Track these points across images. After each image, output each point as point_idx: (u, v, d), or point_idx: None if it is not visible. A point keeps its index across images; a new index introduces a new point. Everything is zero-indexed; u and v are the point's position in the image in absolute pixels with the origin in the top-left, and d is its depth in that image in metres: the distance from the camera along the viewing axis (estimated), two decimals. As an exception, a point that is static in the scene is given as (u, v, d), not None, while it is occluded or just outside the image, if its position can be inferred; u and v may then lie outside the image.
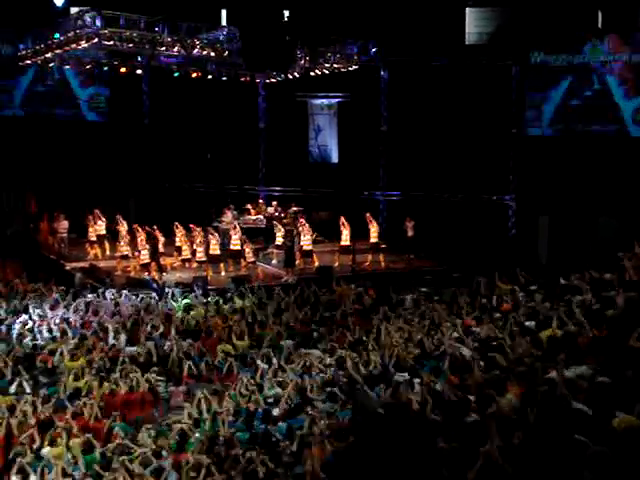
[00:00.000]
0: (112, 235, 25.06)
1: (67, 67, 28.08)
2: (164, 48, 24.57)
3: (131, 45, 23.90)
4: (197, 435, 11.48)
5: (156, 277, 22.31)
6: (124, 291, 20.00)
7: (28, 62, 26.74)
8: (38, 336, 16.59)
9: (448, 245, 24.56)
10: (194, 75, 27.31)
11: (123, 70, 26.81)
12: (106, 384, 13.55)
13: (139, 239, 23.09)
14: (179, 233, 23.92)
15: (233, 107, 29.48)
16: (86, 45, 23.70)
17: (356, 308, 18.14)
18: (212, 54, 25.39)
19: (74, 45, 23.85)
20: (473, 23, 27.11)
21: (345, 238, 23.77)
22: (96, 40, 23.25)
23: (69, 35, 23.80)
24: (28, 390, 13.51)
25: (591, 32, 25.42)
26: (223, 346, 15.80)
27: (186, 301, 19.21)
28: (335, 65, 27.01)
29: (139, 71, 27.60)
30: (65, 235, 26.10)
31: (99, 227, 25.22)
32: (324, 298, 19.19)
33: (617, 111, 25.27)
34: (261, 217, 26.66)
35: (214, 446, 10.64)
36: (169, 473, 10.18)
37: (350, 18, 26.54)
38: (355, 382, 11.96)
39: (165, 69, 27.10)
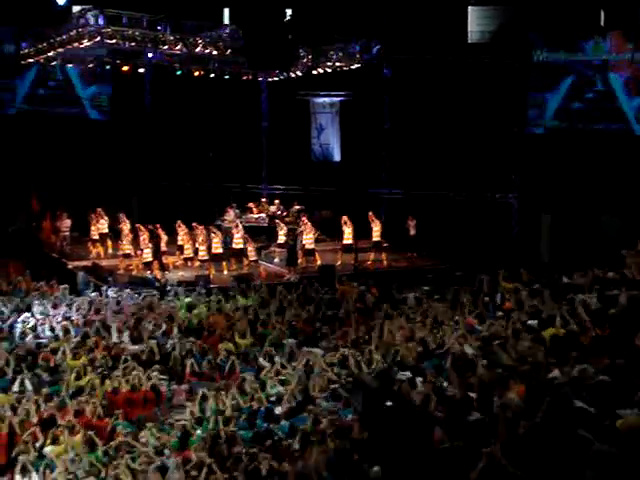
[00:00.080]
0: (114, 234, 25.09)
1: (69, 66, 28.09)
2: (166, 46, 24.57)
3: (133, 43, 23.90)
4: (198, 432, 11.49)
5: (158, 276, 22.32)
6: (126, 289, 20.02)
7: (30, 61, 26.76)
8: (40, 334, 16.60)
9: (450, 243, 24.52)
10: (196, 73, 27.33)
11: (125, 68, 26.82)
12: (108, 382, 13.56)
13: (142, 238, 23.09)
14: (182, 232, 23.91)
15: (235, 106, 29.45)
16: (88, 43, 23.72)
17: (359, 307, 18.13)
18: (214, 52, 25.41)
19: (76, 44, 23.87)
20: (475, 21, 27.09)
21: (347, 237, 23.76)
22: (98, 38, 23.27)
23: (71, 33, 23.82)
24: (30, 389, 13.52)
25: (594, 30, 25.39)
26: (225, 344, 15.80)
27: (188, 299, 19.22)
28: (337, 64, 27.02)
29: (141, 69, 27.59)
30: (68, 233, 26.14)
31: (102, 225, 25.24)
32: (326, 297, 19.19)
33: (620, 109, 25.24)
34: (263, 216, 26.67)
35: (216, 444, 10.64)
36: (171, 471, 10.18)
37: (352, 16, 26.52)
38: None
39: (167, 67, 27.09)
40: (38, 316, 17.67)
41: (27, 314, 17.77)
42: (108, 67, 27.57)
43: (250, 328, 16.53)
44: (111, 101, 30.72)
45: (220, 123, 29.68)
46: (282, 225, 24.58)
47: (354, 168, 28.93)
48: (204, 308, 18.48)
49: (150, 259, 22.70)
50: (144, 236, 23.06)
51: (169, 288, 20.57)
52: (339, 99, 30.40)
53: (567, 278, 17.19)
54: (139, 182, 29.89)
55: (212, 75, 27.59)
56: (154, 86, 30.27)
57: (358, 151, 29.24)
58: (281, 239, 24.25)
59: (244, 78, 28.95)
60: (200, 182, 29.40)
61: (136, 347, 15.67)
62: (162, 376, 14.20)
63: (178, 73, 27.19)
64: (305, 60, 27.04)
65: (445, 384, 10.83)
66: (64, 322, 17.15)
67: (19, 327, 16.93)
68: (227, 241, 23.90)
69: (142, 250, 22.96)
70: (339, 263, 23.71)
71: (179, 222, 23.99)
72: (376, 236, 24.20)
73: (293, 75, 27.98)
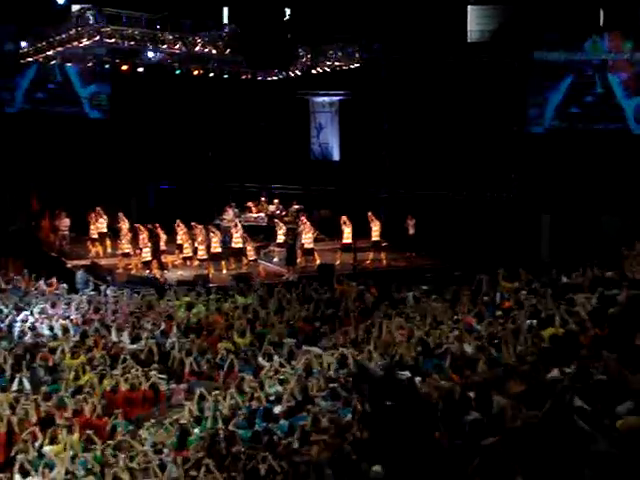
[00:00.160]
0: (113, 233, 25.08)
1: (69, 65, 28.07)
2: (166, 46, 24.57)
3: (133, 43, 23.90)
4: (196, 431, 11.49)
5: (157, 275, 22.31)
6: (125, 289, 20.00)
7: (30, 60, 26.73)
8: (39, 333, 16.58)
9: (450, 243, 24.52)
10: (195, 73, 27.31)
11: (124, 68, 26.80)
12: (106, 381, 13.55)
13: (141, 237, 23.09)
14: (181, 231, 23.89)
15: (234, 105, 29.44)
16: (88, 42, 23.73)
17: (358, 306, 18.13)
18: (214, 52, 25.44)
19: (76, 43, 23.88)
20: (475, 21, 27.08)
21: (347, 236, 23.75)
22: (98, 37, 23.28)
23: (71, 32, 23.83)
24: (28, 387, 13.51)
25: (592, 30, 25.39)
26: (224, 343, 15.79)
27: (187, 299, 19.21)
28: (336, 63, 27.03)
29: (140, 69, 27.57)
30: (67, 233, 26.12)
31: (101, 225, 25.22)
32: (325, 296, 19.18)
33: (619, 109, 25.24)
34: (262, 215, 26.64)
35: (215, 443, 10.63)
36: (170, 470, 10.17)
37: (352, 16, 26.51)
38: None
39: (166, 66, 27.07)
40: (37, 315, 17.65)
41: (26, 313, 17.76)
42: (107, 66, 27.54)
43: (249, 327, 16.51)
44: (110, 100, 30.64)
45: (219, 122, 29.67)
46: (281, 224, 24.57)
47: (353, 167, 28.91)
48: (203, 307, 18.48)
49: (149, 258, 22.69)
50: (143, 235, 23.06)
51: (168, 287, 20.55)
52: (338, 98, 30.38)
53: (566, 278, 17.20)
54: (138, 181, 29.88)
55: (211, 74, 27.58)
56: (153, 85, 30.25)
57: (357, 150, 29.22)
58: (280, 238, 24.24)
59: (243, 77, 28.93)
60: (199, 181, 29.40)
61: (135, 346, 15.66)
62: (161, 375, 14.18)
63: (177, 72, 27.17)
64: (304, 59, 27.06)
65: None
66: (63, 321, 17.14)
67: (18, 326, 16.91)
68: (226, 240, 23.89)
69: (141, 249, 22.96)
70: (338, 262, 23.71)
71: (178, 221, 23.97)
72: (375, 235, 24.20)
73: (292, 74, 27.97)
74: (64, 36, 24.19)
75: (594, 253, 19.56)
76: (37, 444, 11.27)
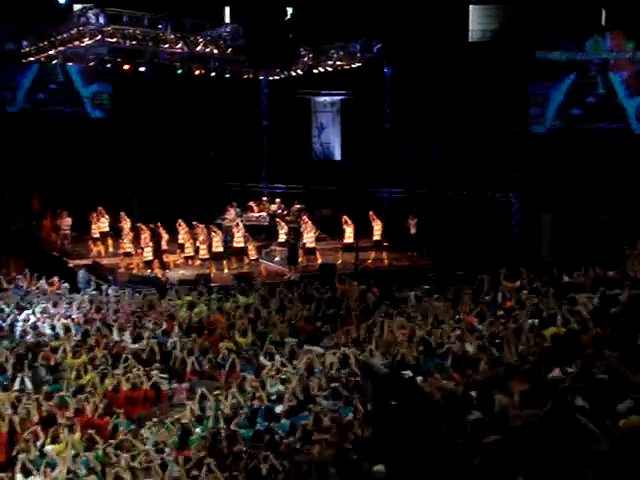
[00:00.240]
0: (115, 232, 25.09)
1: (70, 64, 28.06)
2: (167, 45, 24.56)
3: (134, 42, 23.89)
4: (198, 431, 11.50)
5: (159, 274, 22.32)
6: (127, 288, 20.01)
7: (31, 59, 26.74)
8: (41, 333, 16.59)
9: (451, 243, 24.53)
10: (197, 72, 27.30)
11: (126, 67, 26.81)
12: (108, 381, 13.56)
13: (142, 236, 23.08)
14: (182, 230, 23.89)
15: (236, 104, 29.45)
16: (89, 42, 23.69)
17: (359, 305, 18.14)
18: (215, 51, 25.39)
19: (77, 42, 23.85)
20: (476, 20, 27.09)
21: (348, 235, 23.76)
22: (99, 37, 23.24)
23: (72, 32, 23.80)
24: (30, 387, 13.52)
25: (594, 29, 25.38)
26: (226, 343, 15.80)
27: (189, 298, 19.22)
28: (338, 62, 26.99)
29: (142, 68, 27.57)
30: (68, 232, 26.13)
31: (102, 224, 25.25)
32: (327, 295, 19.19)
33: (621, 109, 25.24)
34: (264, 214, 26.67)
35: (217, 443, 10.64)
36: (171, 470, 10.18)
37: (353, 15, 26.52)
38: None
39: (168, 66, 27.07)
40: (39, 314, 17.67)
41: (28, 312, 17.78)
42: (109, 66, 27.51)
43: (251, 327, 16.52)
44: (112, 100, 30.69)
45: (221, 122, 29.68)
46: (283, 224, 24.59)
47: (355, 167, 28.93)
48: (205, 307, 18.49)
49: (151, 258, 22.69)
50: (145, 235, 23.05)
51: (169, 287, 20.56)
52: (340, 98, 30.40)
53: (568, 277, 17.20)
54: (140, 181, 29.89)
55: (213, 74, 27.56)
56: (155, 85, 30.27)
57: (359, 150, 29.24)
58: (282, 238, 24.26)
59: (245, 77, 28.94)
60: (201, 181, 29.41)
61: (137, 346, 15.67)
62: (163, 375, 14.18)
63: (179, 72, 27.17)
64: (306, 59, 27.03)
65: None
66: (65, 320, 17.15)
67: (20, 325, 16.93)
68: (228, 240, 23.91)
69: (143, 249, 22.95)
70: (340, 262, 23.71)
71: (180, 221, 23.98)
72: (377, 235, 24.21)
73: (294, 74, 27.96)
74: (65, 35, 24.15)
75: (595, 253, 19.58)
76: (39, 443, 11.27)
